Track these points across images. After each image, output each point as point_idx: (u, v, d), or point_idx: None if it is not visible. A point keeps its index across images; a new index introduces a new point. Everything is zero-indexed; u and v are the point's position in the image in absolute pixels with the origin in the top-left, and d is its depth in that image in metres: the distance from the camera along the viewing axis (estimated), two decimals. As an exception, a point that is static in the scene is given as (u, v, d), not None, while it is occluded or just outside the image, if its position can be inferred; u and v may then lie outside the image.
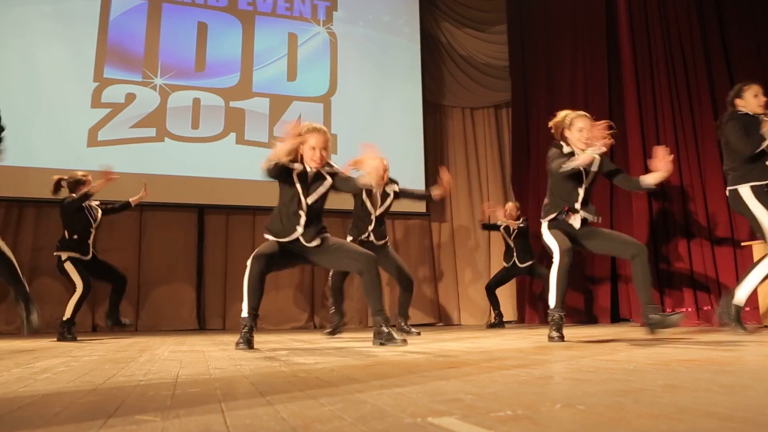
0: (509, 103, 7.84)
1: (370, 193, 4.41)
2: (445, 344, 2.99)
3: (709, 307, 4.78)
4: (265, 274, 3.00)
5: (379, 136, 7.13)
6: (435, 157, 7.60)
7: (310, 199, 3.05)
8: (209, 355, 2.43)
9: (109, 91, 6.31)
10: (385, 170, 4.24)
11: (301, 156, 3.07)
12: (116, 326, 4.75)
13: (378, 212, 4.42)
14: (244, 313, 2.94)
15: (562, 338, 3.05)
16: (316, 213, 3.10)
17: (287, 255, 3.11)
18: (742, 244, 4.58)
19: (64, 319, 4.41)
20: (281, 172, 3.02)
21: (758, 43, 5.23)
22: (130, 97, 6.37)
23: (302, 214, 3.04)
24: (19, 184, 5.81)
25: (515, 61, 7.69)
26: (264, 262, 2.98)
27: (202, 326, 6.19)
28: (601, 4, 6.33)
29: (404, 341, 2.92)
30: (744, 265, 4.63)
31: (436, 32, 7.89)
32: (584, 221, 3.26)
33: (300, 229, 3.04)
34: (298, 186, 3.04)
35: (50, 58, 6.17)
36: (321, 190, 3.08)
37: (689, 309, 4.80)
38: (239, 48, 6.87)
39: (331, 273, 4.54)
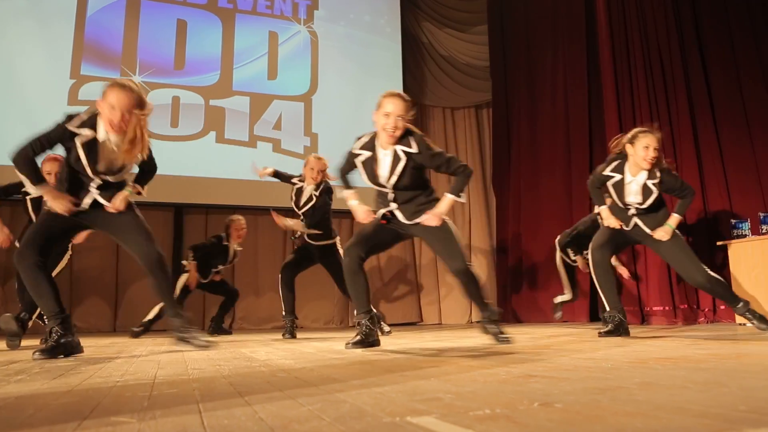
0: (490, 104, 7.89)
1: (300, 191, 4.38)
2: (425, 343, 3.00)
3: (686, 306, 4.85)
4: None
5: (359, 135, 7.12)
6: (416, 156, 7.61)
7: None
8: (188, 355, 2.41)
9: (87, 89, 6.22)
10: (322, 170, 4.32)
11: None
12: (216, 333, 5.04)
13: (303, 209, 4.32)
14: None
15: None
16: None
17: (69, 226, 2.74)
18: (718, 243, 4.65)
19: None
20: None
21: (732, 44, 5.32)
22: (108, 95, 6.27)
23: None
24: (-7, 182, 5.69)
25: (496, 61, 7.73)
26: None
27: (181, 326, 6.12)
28: (580, 6, 6.39)
29: (207, 344, 2.74)
30: (720, 264, 4.71)
31: (417, 32, 7.91)
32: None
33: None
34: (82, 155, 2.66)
35: (26, 55, 6.06)
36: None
37: (666, 307, 4.86)
38: (219, 46, 6.82)
39: (282, 267, 4.50)
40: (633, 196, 3.34)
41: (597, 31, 5.86)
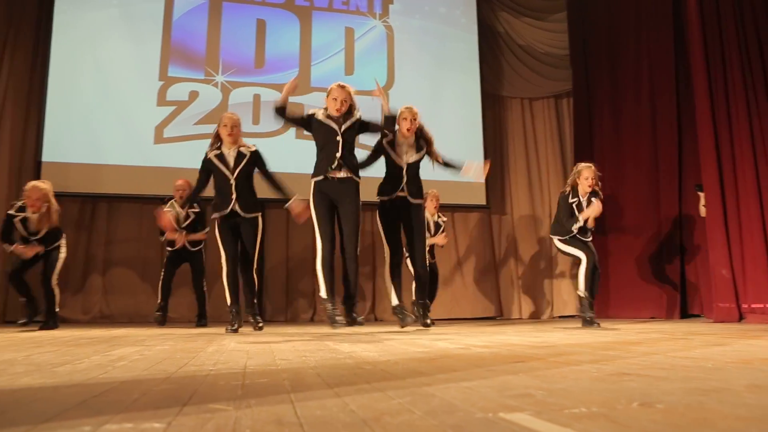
0: (570, 93, 7.65)
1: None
2: (507, 338, 2.95)
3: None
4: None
5: (437, 128, 7.00)
6: (494, 149, 7.50)
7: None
8: (274, 346, 2.47)
9: (174, 90, 6.51)
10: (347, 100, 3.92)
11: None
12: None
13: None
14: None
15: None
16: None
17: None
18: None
19: None
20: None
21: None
22: (194, 95, 6.56)
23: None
24: (91, 180, 6.08)
25: (576, 49, 7.48)
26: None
27: (264, 318, 6.31)
28: (667, -12, 6.08)
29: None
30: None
31: (493, 22, 7.77)
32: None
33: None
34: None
35: (119, 60, 6.42)
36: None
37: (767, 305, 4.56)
38: (297, 43, 6.96)
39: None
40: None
41: (686, 17, 5.53)
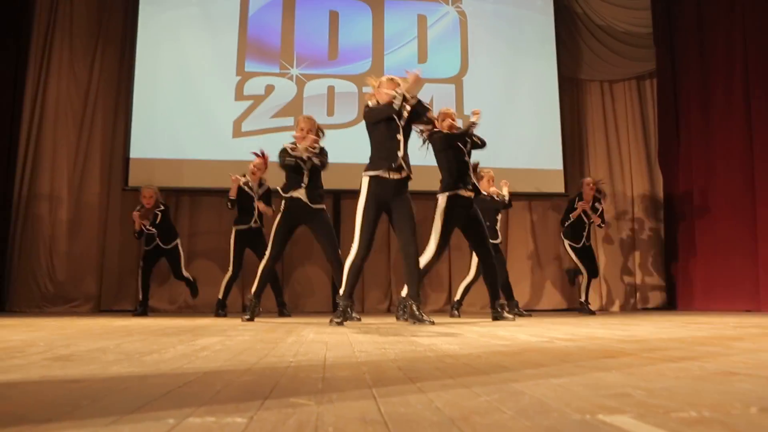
0: (653, 74, 7.27)
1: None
2: (592, 330, 2.82)
3: None
4: None
5: (513, 114, 6.92)
6: (573, 135, 7.24)
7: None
8: (352, 337, 2.46)
9: (251, 84, 6.65)
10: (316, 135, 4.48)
11: None
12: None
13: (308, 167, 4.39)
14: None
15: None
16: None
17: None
18: None
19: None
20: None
21: None
22: (270, 89, 6.68)
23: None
24: (174, 175, 6.32)
25: (660, 27, 7.10)
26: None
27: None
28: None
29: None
30: None
31: (570, 3, 7.47)
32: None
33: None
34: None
35: (198, 57, 6.62)
36: None
37: None
38: (370, 34, 6.95)
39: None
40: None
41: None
